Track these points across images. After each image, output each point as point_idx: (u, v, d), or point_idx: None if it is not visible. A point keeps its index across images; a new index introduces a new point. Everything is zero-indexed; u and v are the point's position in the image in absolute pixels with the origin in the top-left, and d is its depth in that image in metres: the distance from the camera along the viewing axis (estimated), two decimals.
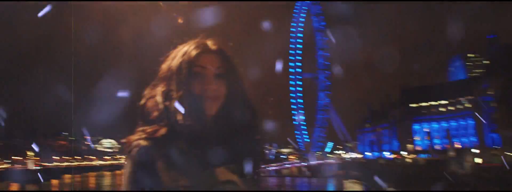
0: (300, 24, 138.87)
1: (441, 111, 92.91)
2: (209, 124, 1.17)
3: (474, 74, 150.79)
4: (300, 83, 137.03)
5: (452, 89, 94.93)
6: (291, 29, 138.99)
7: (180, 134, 1.13)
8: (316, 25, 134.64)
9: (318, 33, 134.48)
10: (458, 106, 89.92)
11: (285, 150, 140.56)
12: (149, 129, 1.15)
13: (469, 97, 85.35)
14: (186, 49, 1.21)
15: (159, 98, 1.19)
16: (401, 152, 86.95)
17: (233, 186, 1.15)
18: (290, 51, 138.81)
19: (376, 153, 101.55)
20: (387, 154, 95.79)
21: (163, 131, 1.14)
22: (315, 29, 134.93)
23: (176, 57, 1.22)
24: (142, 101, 1.23)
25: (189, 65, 1.18)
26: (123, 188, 1.11)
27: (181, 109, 1.14)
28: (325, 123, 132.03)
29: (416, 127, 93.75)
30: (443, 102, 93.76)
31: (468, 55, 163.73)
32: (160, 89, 1.21)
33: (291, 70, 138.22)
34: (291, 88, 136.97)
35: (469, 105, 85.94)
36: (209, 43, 1.23)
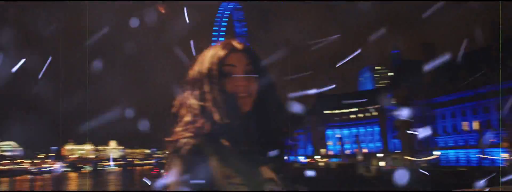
0: (222, 29, 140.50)
1: (352, 118, 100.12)
2: (246, 121, 1.23)
3: (380, 85, 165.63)
4: None
5: (361, 98, 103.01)
6: (213, 33, 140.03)
7: (221, 133, 1.16)
8: (238, 30, 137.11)
9: (240, 39, 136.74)
10: (367, 114, 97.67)
11: None
12: (192, 128, 1.17)
13: (376, 106, 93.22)
14: (214, 52, 1.28)
15: (193, 101, 1.23)
16: (315, 157, 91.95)
17: (274, 184, 1.23)
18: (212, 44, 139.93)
19: (291, 158, 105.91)
20: (301, 158, 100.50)
21: (207, 129, 1.17)
22: (237, 34, 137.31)
23: (204, 60, 1.28)
24: (174, 109, 1.28)
25: (219, 66, 1.23)
26: (172, 187, 1.11)
27: (218, 109, 1.18)
28: None
29: (329, 132, 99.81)
30: (353, 109, 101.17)
31: (376, 67, 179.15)
32: (193, 93, 1.25)
33: None
34: None
35: (376, 113, 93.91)
36: (234, 42, 1.31)
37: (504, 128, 58.62)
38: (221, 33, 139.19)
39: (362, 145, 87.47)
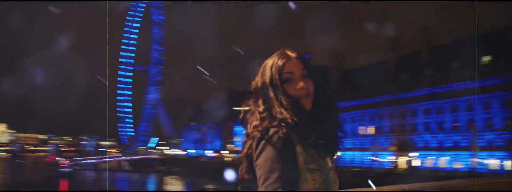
0: (138, 14, 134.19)
1: None
2: (310, 118, 1.41)
3: None
4: (130, 74, 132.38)
5: None
6: (128, 18, 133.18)
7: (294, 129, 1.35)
8: (155, 18, 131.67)
9: (156, 27, 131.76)
10: None
11: (105, 143, 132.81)
12: (278, 119, 1.36)
13: None
14: (272, 62, 1.45)
15: (261, 108, 1.42)
16: (222, 152, 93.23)
17: (334, 174, 1.45)
18: (123, 40, 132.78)
19: (199, 151, 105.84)
20: (209, 152, 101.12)
21: (289, 121, 1.35)
22: (153, 22, 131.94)
23: (265, 71, 1.45)
24: (241, 116, 1.51)
25: (280, 74, 1.41)
26: (265, 171, 1.27)
27: (285, 110, 1.36)
28: (152, 118, 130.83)
29: (237, 129, 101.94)
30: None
31: None
32: (259, 100, 1.45)
33: (122, 60, 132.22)
34: (120, 79, 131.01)
35: None
36: (288, 52, 1.47)
37: (393, 133, 65.98)
38: (136, 19, 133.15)
39: None
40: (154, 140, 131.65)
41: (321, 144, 1.37)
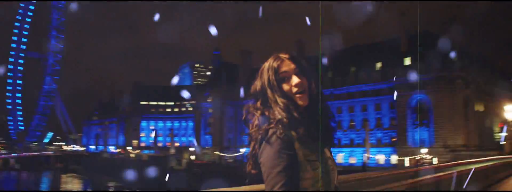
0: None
1: (167, 111, 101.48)
2: (307, 113, 1.57)
3: (198, 82, 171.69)
4: (22, 62, 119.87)
5: (179, 92, 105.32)
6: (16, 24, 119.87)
7: (293, 123, 1.50)
8: (55, 2, 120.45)
9: (55, 11, 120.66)
10: (182, 109, 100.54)
11: None
12: (275, 120, 1.50)
13: (192, 102, 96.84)
14: (268, 65, 1.62)
15: (260, 110, 1.57)
16: (127, 147, 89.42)
17: (332, 162, 1.58)
18: (16, 24, 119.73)
19: (100, 147, 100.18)
20: (112, 148, 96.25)
21: (285, 121, 1.50)
22: (53, 6, 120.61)
23: (263, 74, 1.61)
24: (243, 117, 1.64)
25: (276, 75, 1.57)
26: (268, 167, 1.44)
27: (280, 108, 1.52)
28: (47, 111, 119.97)
29: (143, 124, 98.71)
30: (170, 103, 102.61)
31: (196, 64, 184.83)
32: (258, 102, 1.60)
33: (13, 45, 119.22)
34: (10, 66, 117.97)
35: (191, 109, 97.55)
36: (281, 54, 1.63)
37: None
38: (32, 1, 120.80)
39: (175, 138, 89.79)
40: (49, 135, 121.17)
41: (317, 137, 1.53)
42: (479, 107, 58.91)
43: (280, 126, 1.50)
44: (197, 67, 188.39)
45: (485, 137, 58.06)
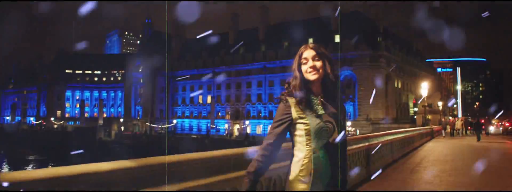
0: None
1: (95, 80, 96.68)
2: (317, 87, 2.15)
3: (127, 51, 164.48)
4: None
5: (107, 61, 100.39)
6: None
7: (304, 93, 2.11)
8: None
9: None
10: (111, 78, 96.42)
11: None
12: (289, 90, 2.14)
13: (122, 71, 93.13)
14: (298, 51, 2.20)
15: (291, 82, 2.18)
16: (50, 119, 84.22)
17: (328, 123, 2.06)
18: None
19: (18, 118, 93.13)
20: (31, 119, 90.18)
21: (298, 90, 2.12)
22: None
23: (295, 58, 2.20)
24: (289, 80, 2.22)
25: (299, 59, 2.15)
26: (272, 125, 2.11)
27: (297, 83, 2.12)
28: None
29: (68, 93, 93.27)
30: (97, 72, 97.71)
31: (125, 33, 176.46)
32: (295, 77, 2.18)
33: None
34: None
35: (120, 78, 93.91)
36: (309, 44, 2.21)
37: (228, 103, 70.63)
38: None
39: (104, 109, 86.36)
40: None
41: (311, 107, 2.09)
42: (398, 84, 64.12)
43: (286, 93, 2.13)
44: (127, 35, 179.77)
45: (401, 111, 63.71)
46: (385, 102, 57.85)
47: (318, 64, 2.12)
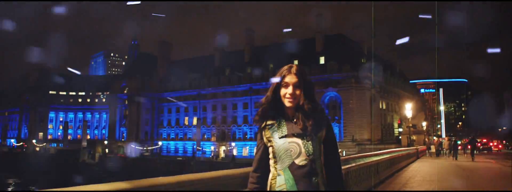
0: None
1: (79, 102, 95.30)
2: (292, 111, 2.13)
3: (113, 72, 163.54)
4: None
5: (92, 82, 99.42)
6: None
7: (272, 114, 2.15)
8: None
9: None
10: (96, 100, 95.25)
11: None
12: (261, 110, 2.16)
13: (107, 92, 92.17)
14: (280, 71, 2.19)
15: (265, 99, 2.20)
16: (32, 140, 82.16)
17: (296, 146, 2.05)
18: None
19: None
20: (12, 141, 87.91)
21: (266, 111, 2.14)
22: None
23: (276, 75, 2.20)
24: (262, 100, 2.22)
25: (281, 81, 2.15)
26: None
27: (268, 104, 2.14)
28: None
29: (51, 115, 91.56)
30: (82, 93, 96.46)
31: (111, 54, 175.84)
32: (267, 95, 2.21)
33: None
34: None
35: (105, 100, 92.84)
36: (294, 68, 2.18)
37: (214, 124, 70.22)
38: None
39: (88, 131, 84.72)
40: None
41: (278, 129, 2.10)
42: (382, 105, 64.95)
43: (258, 114, 2.17)
44: (112, 56, 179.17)
45: (386, 132, 64.24)
46: (370, 123, 58.38)
47: (298, 92, 2.11)
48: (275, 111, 2.14)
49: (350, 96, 57.97)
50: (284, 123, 2.11)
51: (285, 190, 2.00)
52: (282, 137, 2.06)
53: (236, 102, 68.98)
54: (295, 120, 2.11)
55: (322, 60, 63.34)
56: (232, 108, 69.31)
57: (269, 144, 2.09)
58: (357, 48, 64.93)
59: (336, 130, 58.89)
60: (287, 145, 2.03)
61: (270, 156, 2.08)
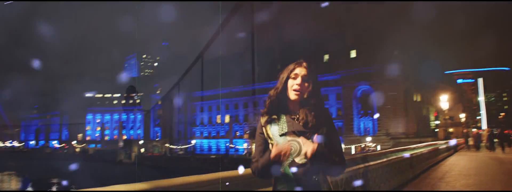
0: None
1: (115, 103, 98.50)
2: (295, 106, 2.09)
3: (145, 73, 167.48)
4: None
5: (126, 84, 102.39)
6: None
7: (282, 107, 2.09)
8: None
9: None
10: (130, 101, 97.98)
11: None
12: (269, 103, 2.14)
13: (140, 94, 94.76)
14: (290, 66, 2.16)
15: (274, 91, 2.15)
16: (72, 142, 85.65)
17: (297, 144, 2.00)
18: None
19: (41, 142, 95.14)
20: (54, 143, 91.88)
21: (274, 104, 2.11)
22: None
23: (284, 70, 2.15)
24: (270, 92, 2.19)
25: (289, 74, 2.10)
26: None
27: (276, 97, 2.10)
28: None
29: (89, 117, 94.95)
30: (117, 95, 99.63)
31: (143, 55, 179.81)
32: (276, 86, 2.17)
33: None
34: None
35: (139, 101, 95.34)
36: (304, 62, 2.15)
37: (246, 122, 70.61)
38: None
39: (124, 131, 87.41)
40: None
41: (279, 126, 2.06)
42: (417, 98, 63.08)
43: (265, 110, 2.12)
44: (144, 58, 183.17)
45: (422, 125, 62.39)
46: (405, 116, 56.88)
47: (306, 84, 2.07)
48: (279, 105, 2.10)
49: (383, 89, 56.67)
50: (285, 119, 2.07)
51: (285, 189, 1.94)
52: (283, 134, 2.02)
53: (265, 99, 68.92)
54: (297, 116, 2.06)
55: (353, 54, 62.23)
56: (263, 105, 69.30)
57: (269, 141, 2.04)
58: (389, 40, 63.31)
59: (369, 124, 57.80)
60: (287, 143, 1.99)
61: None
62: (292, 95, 2.07)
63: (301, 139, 2.01)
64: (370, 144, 52.38)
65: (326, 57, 65.07)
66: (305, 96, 2.07)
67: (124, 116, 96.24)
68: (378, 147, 48.96)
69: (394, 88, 56.57)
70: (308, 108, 2.05)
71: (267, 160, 1.99)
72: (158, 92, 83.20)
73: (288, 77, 2.11)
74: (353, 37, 64.18)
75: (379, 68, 57.29)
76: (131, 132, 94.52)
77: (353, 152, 53.77)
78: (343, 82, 60.14)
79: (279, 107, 2.10)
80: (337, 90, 61.50)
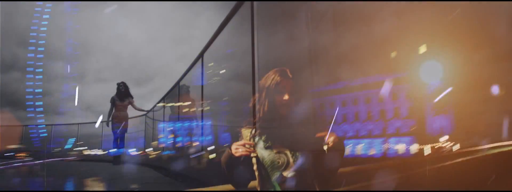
0: (47, 5, 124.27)
1: (184, 111, 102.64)
2: (284, 119, 1.92)
3: (213, 81, 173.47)
4: (41, 70, 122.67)
5: (198, 92, 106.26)
6: (36, 9, 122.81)
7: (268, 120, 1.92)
8: (68, 9, 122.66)
9: (69, 19, 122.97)
10: (199, 108, 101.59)
11: (12, 146, 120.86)
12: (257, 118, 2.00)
13: (208, 101, 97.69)
14: (274, 76, 1.96)
15: (258, 101, 2.00)
16: (146, 149, 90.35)
17: (284, 157, 1.86)
18: (31, 34, 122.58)
19: (121, 150, 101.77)
20: (132, 151, 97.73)
21: (263, 117, 1.95)
22: (66, 13, 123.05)
23: (268, 80, 1.96)
24: (250, 104, 2.05)
25: (276, 86, 1.92)
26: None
27: (263, 109, 1.94)
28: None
29: (161, 125, 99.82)
30: (187, 103, 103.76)
31: (209, 64, 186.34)
32: (260, 96, 2.00)
33: (30, 55, 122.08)
34: (29, 76, 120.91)
35: (208, 108, 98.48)
36: (288, 73, 1.98)
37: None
38: (46, 10, 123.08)
39: (194, 138, 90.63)
40: (70, 141, 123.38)
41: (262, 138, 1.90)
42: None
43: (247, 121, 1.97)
44: (211, 66, 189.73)
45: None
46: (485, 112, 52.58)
47: (293, 98, 1.92)
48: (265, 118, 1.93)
49: (458, 84, 52.90)
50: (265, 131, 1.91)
51: None
52: (268, 147, 1.87)
53: (334, 100, 67.81)
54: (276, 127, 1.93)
55: (423, 49, 58.99)
56: (329, 106, 68.25)
57: (252, 155, 1.88)
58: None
59: (445, 122, 54.25)
60: (273, 156, 1.86)
61: (254, 168, 1.88)
62: (283, 110, 1.91)
63: (289, 151, 1.86)
64: (447, 143, 49.13)
65: (393, 53, 62.33)
66: (292, 108, 1.93)
67: (194, 123, 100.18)
68: (457, 146, 45.71)
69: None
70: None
71: (226, 156, 1.89)
72: (225, 98, 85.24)
73: (275, 91, 1.93)
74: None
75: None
76: (202, 138, 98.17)
77: (427, 152, 50.81)
78: (411, 80, 57.32)
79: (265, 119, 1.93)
80: (406, 88, 58.69)
